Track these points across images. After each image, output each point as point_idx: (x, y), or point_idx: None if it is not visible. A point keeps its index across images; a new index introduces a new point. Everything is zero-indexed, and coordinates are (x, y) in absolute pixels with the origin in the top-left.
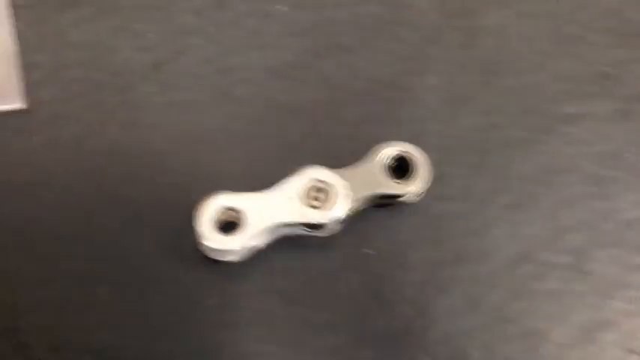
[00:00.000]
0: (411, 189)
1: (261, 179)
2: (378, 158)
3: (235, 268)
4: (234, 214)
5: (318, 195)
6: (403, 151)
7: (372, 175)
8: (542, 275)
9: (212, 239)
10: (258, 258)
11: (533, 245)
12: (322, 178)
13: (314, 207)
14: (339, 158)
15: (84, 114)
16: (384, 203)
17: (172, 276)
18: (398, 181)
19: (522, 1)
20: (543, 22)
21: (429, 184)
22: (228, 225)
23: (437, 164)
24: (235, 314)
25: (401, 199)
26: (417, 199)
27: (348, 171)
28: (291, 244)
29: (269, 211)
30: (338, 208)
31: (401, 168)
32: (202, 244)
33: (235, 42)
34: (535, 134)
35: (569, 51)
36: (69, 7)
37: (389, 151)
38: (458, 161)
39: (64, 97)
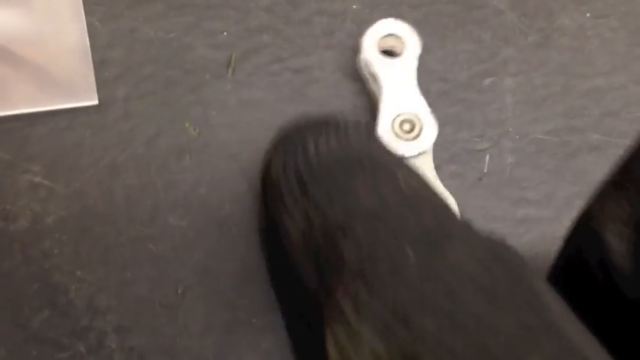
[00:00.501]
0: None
1: None
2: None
3: None
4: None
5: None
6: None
7: None
8: None
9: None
10: None
11: None
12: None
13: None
14: None
15: (156, 112)
16: None
17: None
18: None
19: (599, 2)
20: (621, 23)
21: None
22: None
23: (515, 168)
24: None
25: None
26: None
27: None
28: None
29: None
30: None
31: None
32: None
33: (308, 41)
34: (616, 138)
35: None
36: (141, 3)
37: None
38: (538, 165)
39: (137, 95)
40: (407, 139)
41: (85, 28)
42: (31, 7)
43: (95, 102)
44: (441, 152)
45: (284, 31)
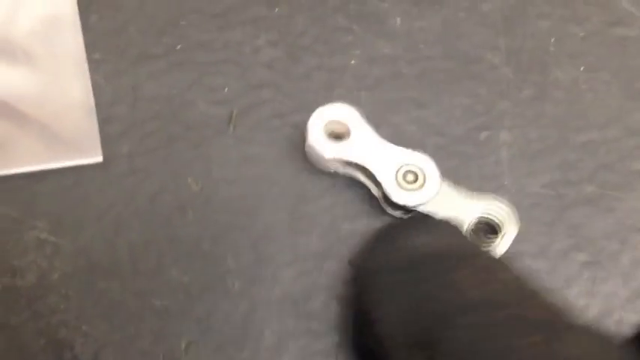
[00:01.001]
0: (499, 249)
1: None
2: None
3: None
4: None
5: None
6: (487, 215)
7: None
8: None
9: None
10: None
11: (613, 304)
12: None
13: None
14: None
15: (159, 167)
16: None
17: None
18: (486, 240)
19: (593, 56)
20: (614, 77)
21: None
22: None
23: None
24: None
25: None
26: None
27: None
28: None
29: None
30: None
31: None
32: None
33: (307, 96)
34: (611, 191)
35: None
36: (144, 60)
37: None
38: (534, 218)
39: (140, 151)
40: (412, 190)
41: (90, 85)
42: (36, 65)
43: (100, 159)
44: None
45: (284, 87)
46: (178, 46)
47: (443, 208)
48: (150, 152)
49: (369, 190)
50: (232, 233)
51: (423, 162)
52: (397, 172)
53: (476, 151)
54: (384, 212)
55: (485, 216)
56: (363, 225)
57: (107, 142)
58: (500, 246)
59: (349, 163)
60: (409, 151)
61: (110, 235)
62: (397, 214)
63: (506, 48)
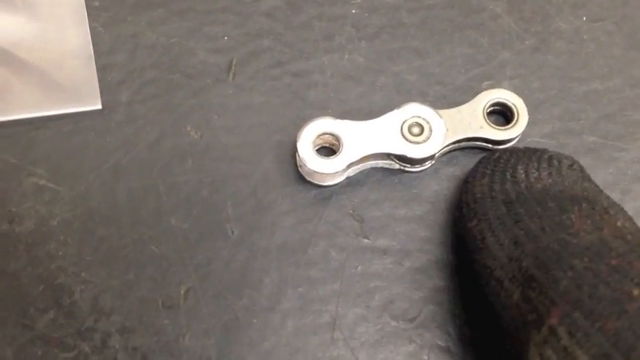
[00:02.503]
0: (507, 134)
1: None
2: (478, 102)
3: (325, 190)
4: (333, 139)
5: (416, 130)
6: (503, 98)
7: (471, 118)
8: None
9: (311, 162)
10: (347, 182)
11: None
12: (421, 114)
13: (410, 142)
14: None
15: (158, 115)
16: (480, 147)
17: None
18: (496, 126)
19: (595, 6)
20: (617, 27)
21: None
22: (329, 151)
23: None
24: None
25: (497, 145)
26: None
27: (449, 111)
28: (383, 176)
29: (366, 139)
30: (433, 144)
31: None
32: (301, 167)
33: (307, 45)
34: (613, 141)
35: None
36: (143, 9)
37: (490, 96)
38: None
39: (139, 99)
40: (417, 142)
41: (89, 33)
42: (35, 13)
43: (99, 106)
44: (440, 155)
45: (284, 36)
46: None
47: (461, 125)
48: (149, 100)
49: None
50: (232, 181)
51: (419, 111)
52: (402, 131)
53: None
54: (403, 172)
55: (498, 101)
56: (363, 175)
57: (106, 89)
58: (516, 128)
59: (353, 163)
60: (397, 110)
61: (109, 182)
62: (417, 168)
63: None
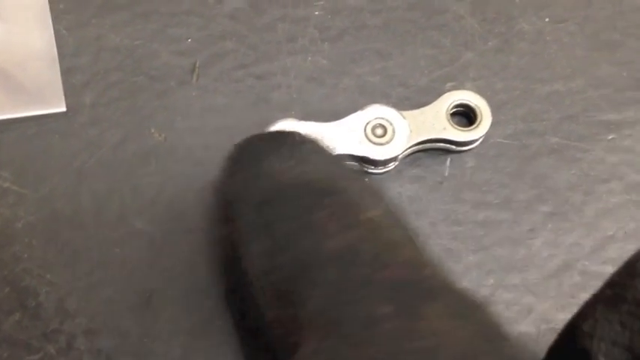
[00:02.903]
0: (470, 135)
1: None
2: (441, 103)
3: None
4: None
5: (379, 131)
6: (466, 99)
7: (434, 120)
8: (587, 285)
9: None
10: None
11: (577, 254)
12: (384, 116)
13: (373, 143)
14: None
15: (123, 118)
16: (443, 149)
17: None
18: (459, 127)
19: (558, 7)
20: (580, 28)
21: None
22: None
23: (476, 171)
24: None
25: (460, 147)
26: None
27: (412, 112)
28: None
29: (330, 141)
30: (396, 145)
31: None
32: None
33: (271, 47)
34: (575, 142)
35: (607, 57)
36: (107, 11)
37: (453, 97)
38: (498, 168)
39: (103, 101)
40: (380, 144)
41: (53, 35)
42: (0, 16)
43: (63, 109)
44: (404, 157)
45: (247, 38)
46: None
47: (424, 127)
48: (113, 102)
49: None
50: (196, 183)
51: (382, 112)
52: (365, 132)
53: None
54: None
55: (461, 102)
56: None
57: (70, 92)
58: (479, 130)
59: None
60: (360, 112)
61: (73, 184)
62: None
63: None
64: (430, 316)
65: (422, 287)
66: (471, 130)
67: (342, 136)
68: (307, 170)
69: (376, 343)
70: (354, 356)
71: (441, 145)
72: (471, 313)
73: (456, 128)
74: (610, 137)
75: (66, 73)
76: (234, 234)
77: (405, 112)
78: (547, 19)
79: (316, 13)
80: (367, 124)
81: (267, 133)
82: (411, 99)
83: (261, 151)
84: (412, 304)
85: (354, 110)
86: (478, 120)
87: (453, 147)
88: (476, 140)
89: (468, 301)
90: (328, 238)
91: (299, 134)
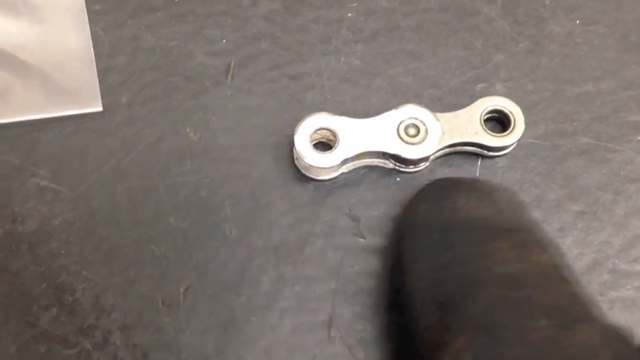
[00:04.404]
0: (503, 141)
1: None
2: (475, 108)
3: (322, 190)
4: (330, 135)
5: (412, 131)
6: (500, 105)
7: (467, 123)
8: (616, 283)
9: (307, 156)
10: (343, 182)
11: (607, 253)
12: (418, 116)
13: (406, 142)
14: None
15: (158, 117)
16: (475, 153)
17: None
18: (492, 133)
19: (588, 9)
20: (610, 30)
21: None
22: (325, 146)
23: (507, 171)
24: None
25: (491, 152)
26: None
27: (446, 115)
28: (378, 177)
29: (362, 137)
30: (428, 146)
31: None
32: (298, 161)
33: (304, 48)
34: (606, 142)
35: (637, 59)
36: (144, 12)
37: (488, 102)
38: (529, 168)
39: (139, 101)
40: (412, 143)
41: (90, 36)
42: (38, 17)
43: (99, 108)
44: (435, 158)
45: (281, 39)
46: None
47: (457, 129)
48: (149, 102)
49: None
50: (230, 181)
51: (416, 112)
52: (398, 131)
53: (471, 103)
54: (398, 173)
55: (495, 108)
56: (359, 176)
57: (107, 92)
58: (512, 136)
59: (349, 159)
60: (394, 110)
61: (110, 182)
62: (412, 169)
63: (502, 1)
64: (582, 331)
65: (576, 310)
66: (503, 136)
67: (375, 133)
68: (497, 212)
69: (526, 347)
70: (503, 354)
71: (473, 149)
72: (620, 339)
73: (488, 133)
74: (639, 138)
75: (102, 73)
76: (405, 253)
77: (439, 114)
78: (577, 22)
79: (349, 14)
80: (400, 123)
81: (469, 178)
82: (442, 99)
83: (461, 189)
84: (566, 321)
85: (387, 110)
86: (511, 126)
87: (485, 152)
88: (508, 146)
89: (617, 329)
90: (499, 265)
91: (491, 182)
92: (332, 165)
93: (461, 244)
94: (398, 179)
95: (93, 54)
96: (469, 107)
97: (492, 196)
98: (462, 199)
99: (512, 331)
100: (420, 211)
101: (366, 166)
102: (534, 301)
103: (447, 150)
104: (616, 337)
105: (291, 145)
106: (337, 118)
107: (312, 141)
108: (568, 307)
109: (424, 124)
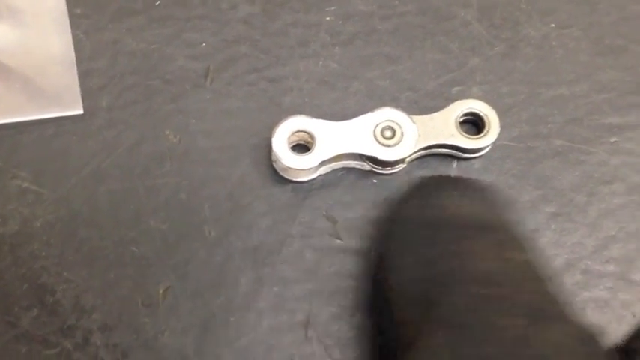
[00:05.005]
0: (478, 144)
1: None
2: (451, 111)
3: (300, 192)
4: (307, 137)
5: (388, 133)
6: (476, 108)
7: (443, 126)
8: (589, 284)
9: (284, 158)
10: (321, 184)
11: (580, 254)
12: (394, 119)
13: (382, 144)
14: None
15: (138, 120)
16: (450, 155)
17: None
18: (467, 135)
19: (563, 13)
20: (584, 34)
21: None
22: (303, 148)
23: (482, 173)
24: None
25: (467, 154)
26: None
27: (422, 117)
28: (355, 179)
29: (339, 139)
30: (404, 148)
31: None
32: (275, 163)
33: (283, 51)
34: (579, 144)
35: (611, 62)
36: (124, 16)
37: (463, 105)
38: (504, 170)
39: (120, 104)
40: (388, 146)
41: (71, 40)
42: (19, 21)
43: (80, 111)
44: (411, 160)
45: (260, 42)
46: (157, 2)
47: (433, 132)
48: (129, 105)
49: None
50: (209, 184)
51: (392, 115)
52: (375, 134)
53: (447, 105)
54: (375, 174)
55: (471, 111)
56: (337, 178)
57: (87, 95)
58: (487, 138)
59: (326, 161)
60: (371, 113)
61: (90, 184)
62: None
63: (479, 5)
64: (555, 330)
65: (550, 310)
66: (478, 138)
67: (352, 135)
68: (481, 211)
69: (499, 344)
70: (476, 352)
71: (449, 151)
72: (591, 339)
73: (464, 136)
74: (613, 140)
75: (83, 76)
76: (398, 247)
77: (415, 117)
78: (552, 25)
79: (327, 18)
80: (377, 125)
81: (454, 176)
82: (418, 102)
83: (447, 188)
84: (539, 320)
85: (364, 113)
86: (486, 129)
87: (461, 154)
88: (483, 148)
89: (590, 329)
90: (479, 261)
91: (478, 181)
92: (309, 167)
93: (443, 242)
94: (375, 181)
95: (74, 57)
96: (445, 110)
97: (477, 194)
98: (445, 197)
99: (487, 328)
100: (407, 207)
101: (343, 168)
102: (509, 300)
103: (423, 152)
104: (588, 336)
105: (269, 147)
106: (315, 120)
107: (289, 143)
108: (542, 305)
109: (400, 127)
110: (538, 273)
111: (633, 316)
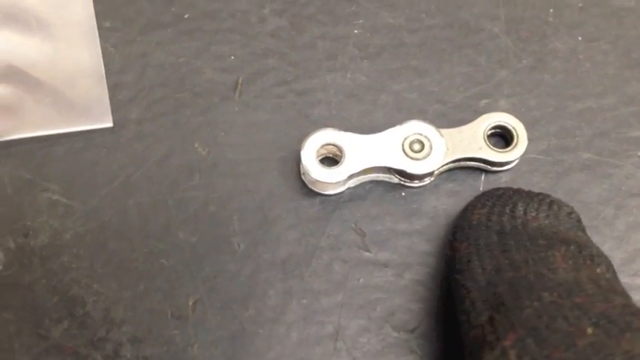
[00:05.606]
0: (506, 157)
1: None
2: (479, 124)
3: (329, 204)
4: (336, 150)
5: (417, 147)
6: (504, 121)
7: (471, 139)
8: None
9: (313, 171)
10: (349, 197)
11: None
12: (423, 132)
13: (410, 157)
14: None
15: (167, 133)
16: (478, 168)
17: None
18: (495, 148)
19: (591, 26)
20: (612, 47)
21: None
22: (332, 161)
23: (511, 186)
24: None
25: (495, 167)
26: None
27: (450, 130)
28: (384, 191)
29: (368, 152)
30: (432, 161)
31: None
32: (304, 175)
33: (311, 64)
34: (607, 157)
35: (638, 75)
36: (153, 29)
37: (491, 119)
38: (532, 183)
39: (149, 117)
40: (417, 159)
41: (100, 53)
42: (49, 34)
43: (110, 124)
44: (440, 173)
45: (288, 55)
46: (186, 15)
47: (461, 145)
48: (158, 118)
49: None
50: (238, 196)
51: (421, 128)
52: (403, 147)
53: (475, 118)
54: (403, 187)
55: (499, 124)
56: (365, 190)
57: (117, 107)
58: (515, 152)
59: (355, 174)
60: (399, 126)
61: (120, 197)
62: (417, 183)
63: (506, 18)
64: (629, 341)
65: (625, 321)
66: (506, 151)
67: (380, 148)
68: (555, 224)
69: (572, 351)
70: (548, 356)
71: (477, 164)
72: None
73: (492, 149)
74: None
75: (113, 89)
76: (467, 250)
77: (443, 130)
78: (580, 38)
79: (355, 31)
80: (405, 138)
81: (527, 190)
82: (446, 115)
83: (520, 199)
84: (614, 330)
85: (392, 126)
86: (514, 142)
87: (489, 167)
88: (511, 162)
89: None
90: (556, 271)
91: (550, 195)
92: (338, 180)
93: (517, 250)
94: (403, 194)
95: (103, 70)
96: (473, 123)
97: (550, 208)
98: (521, 207)
99: (560, 335)
100: (480, 214)
101: (371, 181)
102: (585, 309)
103: (451, 165)
104: None
105: (298, 160)
106: (343, 133)
107: (318, 156)
108: (617, 317)
109: (429, 140)
110: (613, 286)
111: None
